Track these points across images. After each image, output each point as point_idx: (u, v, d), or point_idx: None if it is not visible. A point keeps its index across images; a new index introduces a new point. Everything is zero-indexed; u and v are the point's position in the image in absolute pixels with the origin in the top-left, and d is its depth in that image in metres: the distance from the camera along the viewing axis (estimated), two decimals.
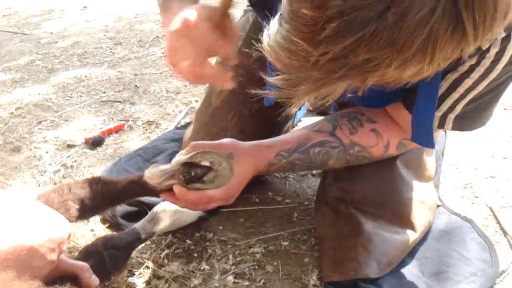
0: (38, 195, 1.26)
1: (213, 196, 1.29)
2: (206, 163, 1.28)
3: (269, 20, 0.82)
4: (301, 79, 0.82)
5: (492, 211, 1.66)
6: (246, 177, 1.35)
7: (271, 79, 0.86)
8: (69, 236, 1.07)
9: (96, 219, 1.66)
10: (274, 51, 0.81)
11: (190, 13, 1.14)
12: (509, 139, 2.10)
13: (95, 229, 1.63)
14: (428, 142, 1.26)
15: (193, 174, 1.28)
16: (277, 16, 0.81)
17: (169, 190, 1.31)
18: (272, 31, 0.81)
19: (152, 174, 1.29)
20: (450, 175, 1.87)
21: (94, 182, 1.32)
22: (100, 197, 1.31)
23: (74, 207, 1.25)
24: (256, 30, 1.67)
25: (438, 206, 1.60)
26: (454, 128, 1.25)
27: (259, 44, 0.84)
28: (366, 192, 1.46)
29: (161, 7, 1.30)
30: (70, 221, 1.12)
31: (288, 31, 0.78)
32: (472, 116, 1.24)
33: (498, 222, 1.61)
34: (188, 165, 1.28)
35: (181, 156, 1.30)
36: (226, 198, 1.32)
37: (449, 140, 1.77)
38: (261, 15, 1.53)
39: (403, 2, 0.69)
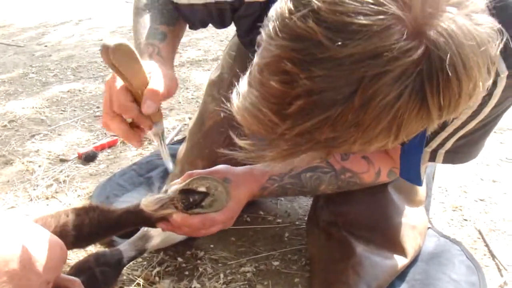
0: (35, 219, 1.26)
1: (215, 218, 1.29)
2: (202, 189, 1.30)
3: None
4: (268, 147, 0.84)
5: (481, 234, 1.68)
6: (242, 200, 1.36)
7: (239, 142, 0.88)
8: (65, 259, 1.08)
9: None
10: (243, 115, 0.83)
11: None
12: (498, 162, 2.12)
13: None
14: (416, 179, 1.28)
15: (191, 200, 1.28)
16: (247, 75, 0.83)
17: (165, 219, 1.32)
18: (242, 91, 0.83)
19: (149, 202, 1.29)
20: (439, 197, 1.89)
21: (91, 210, 1.32)
22: (96, 225, 1.30)
23: (71, 234, 1.25)
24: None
25: (427, 228, 1.62)
26: (446, 161, 1.28)
27: (228, 104, 0.85)
28: (358, 216, 1.47)
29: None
30: (67, 248, 1.13)
31: (257, 98, 0.79)
32: (462, 151, 1.26)
33: (487, 245, 1.62)
34: (185, 192, 1.29)
35: (177, 185, 1.32)
36: (227, 220, 1.32)
37: (438, 164, 1.79)
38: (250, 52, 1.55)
39: (369, 87, 0.70)
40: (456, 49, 0.70)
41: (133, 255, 1.43)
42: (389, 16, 0.68)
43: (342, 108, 0.72)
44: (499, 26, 0.76)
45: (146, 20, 1.36)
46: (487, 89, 0.80)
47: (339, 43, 0.69)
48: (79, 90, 3.11)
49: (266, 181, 1.38)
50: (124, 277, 1.48)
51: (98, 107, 2.82)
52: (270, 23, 0.77)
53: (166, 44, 1.33)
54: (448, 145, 1.23)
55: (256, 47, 0.83)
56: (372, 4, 0.69)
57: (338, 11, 0.69)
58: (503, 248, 1.61)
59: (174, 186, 1.32)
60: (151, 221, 1.32)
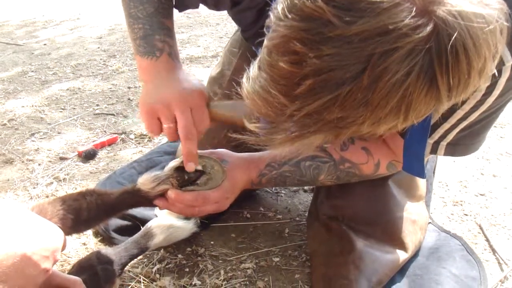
0: (32, 206, 1.26)
1: (209, 196, 1.31)
2: (198, 167, 1.31)
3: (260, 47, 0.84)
4: (277, 129, 0.84)
5: (481, 228, 1.68)
6: (239, 183, 1.37)
7: (249, 126, 0.89)
8: (64, 246, 1.08)
9: (88, 233, 1.67)
10: (252, 99, 0.84)
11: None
12: (498, 157, 2.12)
13: (87, 242, 1.63)
14: (419, 172, 1.28)
15: (186, 177, 1.30)
16: (257, 60, 0.84)
17: (163, 196, 1.33)
18: (252, 76, 0.84)
19: (145, 180, 1.32)
20: (440, 192, 1.89)
21: (88, 194, 1.33)
22: (94, 208, 1.31)
23: (68, 218, 1.25)
24: (251, 47, 1.69)
25: (428, 223, 1.62)
26: (447, 154, 1.27)
27: (239, 88, 0.86)
28: (358, 210, 1.48)
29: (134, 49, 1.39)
30: (65, 233, 1.13)
31: (266, 81, 0.80)
32: (464, 143, 1.26)
33: (487, 240, 1.62)
34: (181, 170, 1.31)
35: (173, 163, 1.33)
36: (220, 199, 1.33)
37: (440, 157, 1.79)
38: (253, 45, 1.55)
39: (378, 65, 0.71)
40: (465, 26, 0.70)
41: (135, 253, 1.43)
42: None
43: (350, 87, 0.73)
44: (508, 9, 0.75)
45: (147, 9, 1.36)
46: (492, 78, 0.80)
47: (348, 20, 0.70)
48: (79, 88, 3.11)
49: (264, 167, 1.38)
50: (125, 275, 1.48)
51: (97, 105, 2.82)
52: (279, 5, 0.78)
53: (175, 43, 1.37)
54: (450, 136, 1.23)
55: (265, 30, 0.83)
56: None
57: None
58: (503, 242, 1.61)
59: (171, 163, 1.33)
60: (149, 199, 1.34)
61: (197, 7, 1.47)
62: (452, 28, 0.69)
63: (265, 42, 0.81)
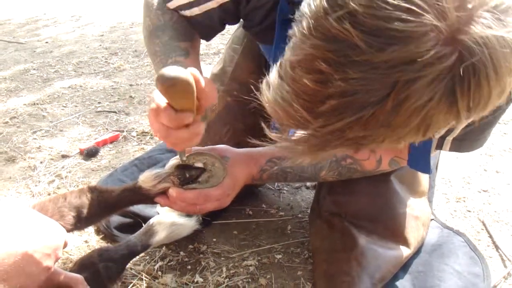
0: (33, 204, 1.26)
1: (210, 193, 1.30)
2: (199, 165, 1.32)
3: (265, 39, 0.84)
4: (298, 141, 0.84)
5: (484, 225, 1.67)
6: (240, 179, 1.36)
7: (270, 134, 0.89)
8: (66, 243, 1.08)
9: (90, 230, 1.66)
10: (274, 110, 0.83)
11: (155, 101, 1.15)
12: (501, 153, 2.12)
13: (89, 240, 1.63)
14: (425, 168, 1.27)
15: (187, 175, 1.29)
16: (278, 67, 0.83)
17: (164, 194, 1.33)
18: (273, 83, 0.83)
19: (146, 177, 1.31)
20: (443, 188, 1.89)
21: (89, 191, 1.33)
22: (95, 205, 1.31)
23: (69, 215, 1.25)
24: (254, 42, 1.69)
25: (431, 220, 1.61)
26: (452, 149, 1.27)
27: (259, 93, 0.85)
28: (360, 206, 1.47)
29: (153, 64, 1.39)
30: (66, 230, 1.12)
31: (288, 93, 0.79)
32: (470, 138, 1.26)
33: (491, 236, 1.62)
34: (182, 167, 1.30)
35: (174, 160, 1.32)
36: (222, 197, 1.33)
37: (442, 154, 1.78)
38: (259, 40, 1.55)
39: (403, 91, 0.71)
40: (488, 55, 0.70)
41: (136, 250, 1.43)
42: (426, 22, 0.68)
43: (374, 110, 0.73)
44: None
45: (163, 40, 1.38)
46: None
47: (377, 48, 0.70)
48: (80, 86, 3.11)
49: (265, 163, 1.38)
50: (127, 272, 1.47)
51: (99, 103, 2.82)
52: (304, 20, 0.77)
53: (191, 59, 1.35)
54: (456, 132, 1.22)
55: (287, 41, 0.83)
56: (409, 10, 0.68)
57: (376, 16, 0.69)
58: (506, 239, 1.60)
59: (172, 161, 1.33)
60: (150, 197, 1.33)
61: (222, 29, 1.49)
62: (476, 56, 0.69)
63: (288, 55, 0.80)
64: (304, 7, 0.78)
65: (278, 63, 0.83)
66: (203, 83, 1.12)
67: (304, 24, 0.76)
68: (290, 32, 0.82)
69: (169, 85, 1.03)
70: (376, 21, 0.69)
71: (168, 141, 1.19)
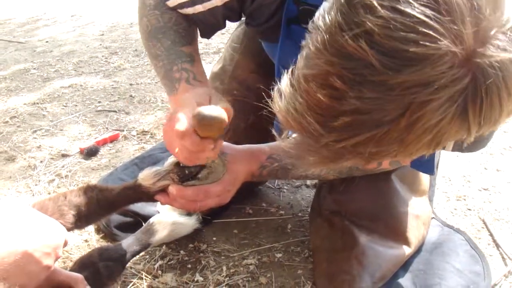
0: (33, 203, 1.26)
1: (210, 190, 1.30)
2: None
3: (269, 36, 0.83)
4: (310, 152, 0.84)
5: (485, 223, 1.67)
6: (240, 175, 1.36)
7: (283, 144, 0.89)
8: (66, 242, 1.07)
9: (90, 230, 1.67)
10: (285, 118, 0.83)
11: (181, 123, 1.17)
12: (502, 151, 2.11)
13: (89, 239, 1.63)
14: (428, 169, 1.26)
15: (187, 172, 1.29)
16: (289, 75, 0.82)
17: (164, 192, 1.33)
18: (285, 92, 0.82)
19: (145, 175, 1.32)
20: (443, 187, 1.88)
21: (89, 190, 1.33)
22: (95, 204, 1.31)
23: (69, 213, 1.25)
24: (254, 41, 1.68)
25: (431, 218, 1.61)
26: (455, 149, 1.27)
27: (270, 100, 0.85)
28: (361, 205, 1.47)
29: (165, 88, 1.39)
30: (66, 229, 1.12)
31: (302, 105, 0.79)
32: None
33: (491, 235, 1.61)
34: (181, 164, 1.30)
35: (173, 158, 1.32)
36: (222, 193, 1.32)
37: (443, 152, 1.78)
38: (263, 38, 1.54)
39: (417, 112, 0.71)
40: (502, 77, 0.70)
41: (137, 249, 1.43)
42: (442, 47, 0.68)
43: (388, 128, 0.73)
44: None
45: (165, 44, 1.37)
46: None
47: (392, 69, 0.70)
48: (81, 85, 3.11)
49: (265, 159, 1.38)
50: (127, 271, 1.47)
51: (99, 102, 2.82)
52: (319, 34, 0.76)
53: (197, 66, 1.36)
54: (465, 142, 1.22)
55: (301, 49, 0.82)
56: (426, 33, 0.68)
57: (392, 37, 0.69)
58: (507, 237, 1.60)
59: (171, 158, 1.33)
60: (149, 195, 1.33)
61: (224, 26, 1.49)
62: (489, 79, 0.70)
63: (302, 65, 0.80)
64: (319, 20, 0.77)
65: (290, 71, 0.83)
66: (231, 116, 1.17)
67: (319, 38, 0.76)
68: (303, 42, 0.81)
69: (206, 124, 1.11)
70: (392, 42, 0.69)
71: (183, 159, 1.24)
